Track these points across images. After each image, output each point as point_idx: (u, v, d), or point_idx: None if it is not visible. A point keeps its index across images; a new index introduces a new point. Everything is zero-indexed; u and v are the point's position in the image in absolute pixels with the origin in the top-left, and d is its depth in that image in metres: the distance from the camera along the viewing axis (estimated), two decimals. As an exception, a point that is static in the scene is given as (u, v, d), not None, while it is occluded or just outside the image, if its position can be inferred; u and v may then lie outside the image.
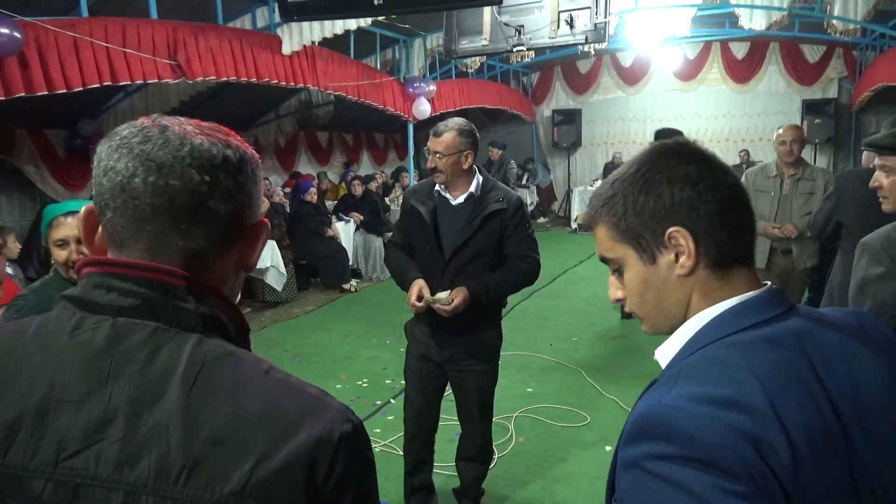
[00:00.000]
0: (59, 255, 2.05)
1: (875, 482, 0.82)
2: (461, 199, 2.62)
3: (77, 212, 1.70)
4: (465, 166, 2.57)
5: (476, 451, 2.85)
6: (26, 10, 4.51)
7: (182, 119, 0.75)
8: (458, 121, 2.62)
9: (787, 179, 4.10)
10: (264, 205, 7.59)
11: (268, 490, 0.60)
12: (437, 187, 2.67)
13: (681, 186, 0.87)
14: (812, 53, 11.72)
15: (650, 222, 0.87)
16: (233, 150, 0.74)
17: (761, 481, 0.72)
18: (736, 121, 12.63)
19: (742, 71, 12.36)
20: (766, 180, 4.14)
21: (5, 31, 4.04)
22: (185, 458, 0.60)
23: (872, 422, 0.83)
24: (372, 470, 0.71)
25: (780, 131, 4.07)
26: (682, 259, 0.87)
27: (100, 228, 0.73)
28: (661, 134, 5.21)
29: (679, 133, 5.37)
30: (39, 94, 4.38)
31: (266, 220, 0.80)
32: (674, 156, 0.90)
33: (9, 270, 4.53)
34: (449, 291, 2.51)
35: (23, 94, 4.29)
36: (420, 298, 2.52)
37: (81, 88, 4.66)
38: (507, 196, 2.60)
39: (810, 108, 11.41)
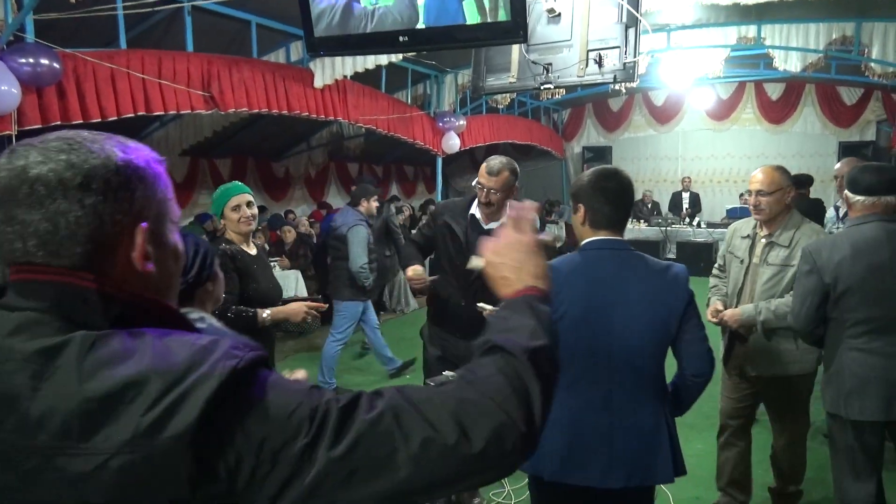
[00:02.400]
0: (233, 216, 2.89)
1: (613, 337, 1.92)
2: (494, 225, 2.91)
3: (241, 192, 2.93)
4: (511, 199, 2.88)
5: None
6: (69, 42, 4.64)
7: (36, 143, 0.78)
8: (506, 159, 2.93)
9: (758, 242, 2.98)
10: (290, 235, 7.65)
11: (159, 429, 0.67)
12: (472, 210, 2.97)
13: (591, 189, 1.97)
14: (849, 96, 11.54)
15: (575, 197, 2.03)
16: (74, 170, 0.76)
17: (559, 305, 1.87)
18: (769, 161, 12.25)
19: (777, 112, 12.22)
20: (741, 241, 3.07)
21: (45, 61, 4.15)
22: (83, 417, 0.67)
23: (618, 312, 1.91)
24: (259, 394, 0.73)
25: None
26: (579, 216, 2.01)
27: None
28: (795, 180, 5.80)
29: (809, 177, 5.79)
30: (75, 122, 4.47)
31: (144, 223, 0.81)
32: (599, 173, 2.01)
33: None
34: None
35: (58, 123, 4.38)
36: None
37: (116, 118, 4.76)
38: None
39: (847, 150, 11.17)
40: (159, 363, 0.70)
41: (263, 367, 0.76)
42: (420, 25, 2.32)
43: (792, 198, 2.89)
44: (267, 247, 7.25)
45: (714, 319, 3.00)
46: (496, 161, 2.90)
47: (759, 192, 2.87)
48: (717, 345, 3.15)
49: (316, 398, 0.76)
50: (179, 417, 0.67)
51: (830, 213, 4.37)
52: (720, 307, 3.04)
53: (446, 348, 3.05)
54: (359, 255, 5.01)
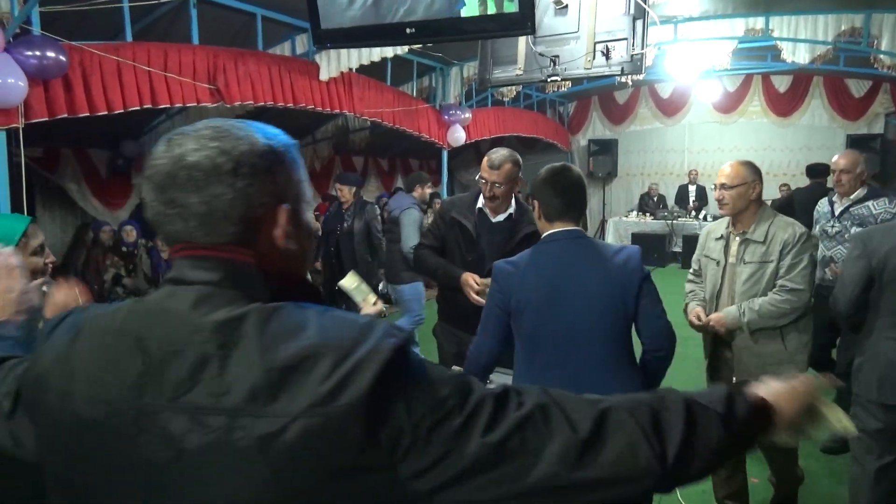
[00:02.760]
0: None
1: (574, 321, 2.06)
2: (501, 217, 2.96)
3: None
4: (516, 191, 2.94)
5: None
6: (75, 34, 4.64)
7: (190, 132, 0.85)
8: (508, 151, 2.91)
9: (733, 241, 2.90)
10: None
11: (335, 397, 0.74)
12: (479, 205, 2.97)
13: (543, 184, 2.13)
14: (858, 88, 11.44)
15: (532, 195, 2.18)
16: (226, 156, 0.82)
17: (506, 291, 2.11)
18: (777, 154, 12.37)
19: (784, 104, 12.13)
20: (715, 243, 2.98)
21: (51, 54, 4.15)
22: (268, 384, 0.74)
23: (577, 298, 2.04)
24: (418, 372, 0.80)
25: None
26: (536, 212, 2.17)
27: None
28: (813, 169, 5.80)
29: (827, 166, 5.75)
30: (81, 115, 4.48)
31: (285, 204, 0.87)
32: (548, 170, 2.16)
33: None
34: None
35: (65, 116, 4.39)
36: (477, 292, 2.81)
37: (122, 111, 4.76)
38: None
39: (855, 143, 11.09)
40: (328, 338, 0.78)
41: (411, 348, 0.82)
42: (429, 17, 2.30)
43: (758, 194, 2.82)
44: None
45: (698, 322, 2.92)
46: (497, 154, 2.87)
47: (722, 186, 2.82)
48: (699, 354, 3.11)
49: (469, 384, 0.82)
50: (352, 388, 0.74)
51: (824, 207, 4.04)
52: (701, 312, 2.94)
53: (462, 345, 3.04)
54: (410, 237, 5.13)
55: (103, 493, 0.82)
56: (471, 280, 2.82)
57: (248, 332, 0.78)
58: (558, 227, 2.13)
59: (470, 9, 2.28)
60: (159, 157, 0.84)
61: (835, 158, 3.89)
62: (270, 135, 0.88)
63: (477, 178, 2.97)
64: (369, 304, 2.26)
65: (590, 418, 0.82)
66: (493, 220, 2.97)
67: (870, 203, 3.65)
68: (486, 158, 2.90)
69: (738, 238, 2.85)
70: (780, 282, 2.74)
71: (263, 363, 0.75)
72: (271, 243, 0.87)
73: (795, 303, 2.72)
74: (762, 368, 2.79)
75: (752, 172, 2.83)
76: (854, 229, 3.60)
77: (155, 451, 0.77)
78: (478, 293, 2.79)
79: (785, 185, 11.49)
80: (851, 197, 3.74)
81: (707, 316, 2.92)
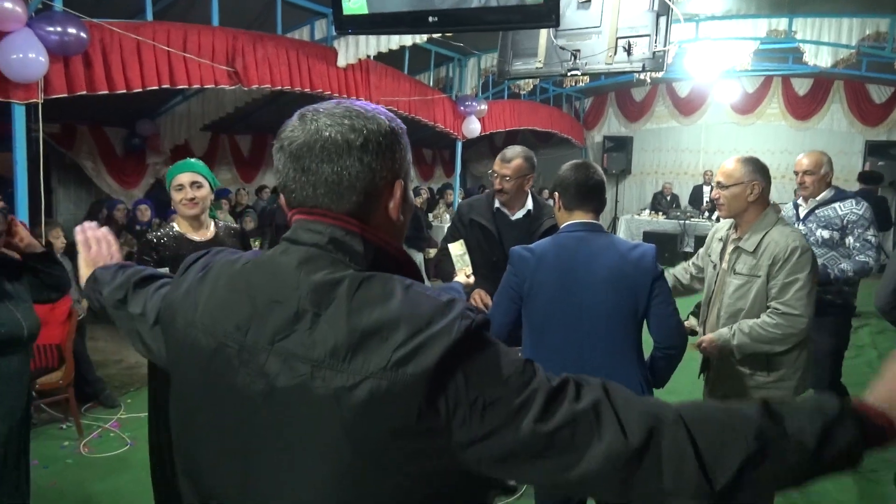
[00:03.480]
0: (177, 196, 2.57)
1: (583, 312, 2.09)
2: (519, 214, 3.01)
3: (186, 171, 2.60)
4: (526, 188, 2.97)
5: None
6: (95, 12, 4.65)
7: (322, 110, 0.95)
8: (521, 148, 2.97)
9: (729, 246, 2.64)
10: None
11: (404, 365, 0.81)
12: (496, 204, 3.02)
13: (565, 176, 2.20)
14: (879, 94, 11.30)
15: (553, 189, 2.27)
16: (356, 133, 0.92)
17: (521, 275, 2.15)
18: (794, 158, 12.09)
19: (803, 108, 12.00)
20: (717, 244, 2.75)
21: (72, 30, 4.16)
22: (348, 344, 0.83)
23: (588, 289, 2.07)
24: (484, 353, 0.85)
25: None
26: (557, 204, 2.23)
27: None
28: (866, 175, 5.59)
29: (881, 175, 5.51)
30: (100, 93, 4.49)
31: (400, 179, 0.97)
32: (575, 164, 2.24)
33: (57, 262, 4.63)
34: None
35: (84, 93, 4.41)
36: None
37: (141, 90, 4.78)
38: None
39: (874, 149, 10.99)
40: (408, 310, 0.85)
41: (487, 330, 0.88)
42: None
43: (758, 195, 2.52)
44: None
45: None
46: (511, 150, 2.97)
47: (718, 184, 2.58)
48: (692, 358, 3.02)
49: (531, 371, 0.86)
50: (421, 359, 0.81)
51: (788, 210, 3.75)
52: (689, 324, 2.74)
53: None
54: None
55: (207, 411, 0.96)
56: (478, 298, 2.78)
57: (341, 295, 0.87)
58: (577, 218, 2.17)
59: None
60: (294, 130, 0.94)
61: (798, 158, 3.65)
62: (391, 117, 0.98)
63: (489, 171, 3.01)
64: (463, 274, 2.45)
65: (643, 425, 0.81)
66: (513, 219, 3.01)
67: (836, 204, 3.47)
68: (500, 153, 2.98)
69: (732, 244, 2.62)
70: (771, 303, 2.45)
71: (348, 325, 0.85)
72: (385, 214, 0.97)
73: (788, 329, 2.41)
74: (738, 391, 2.58)
75: (752, 171, 2.53)
76: (820, 232, 3.46)
77: (252, 382, 0.89)
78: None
79: (800, 189, 11.36)
80: (818, 199, 3.54)
81: (699, 326, 2.80)
